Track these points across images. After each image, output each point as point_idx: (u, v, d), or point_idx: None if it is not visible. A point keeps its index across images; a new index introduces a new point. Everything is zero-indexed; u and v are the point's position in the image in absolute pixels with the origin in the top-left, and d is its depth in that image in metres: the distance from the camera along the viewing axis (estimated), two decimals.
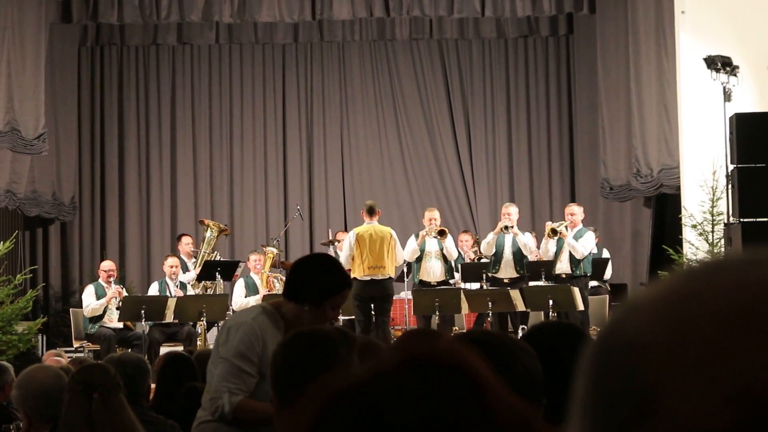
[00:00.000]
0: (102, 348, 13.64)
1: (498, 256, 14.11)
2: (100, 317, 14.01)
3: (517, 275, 14.04)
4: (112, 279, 14.24)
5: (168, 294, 14.11)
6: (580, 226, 14.08)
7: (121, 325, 13.96)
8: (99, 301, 14.03)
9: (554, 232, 13.85)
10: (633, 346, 0.79)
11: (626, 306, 0.83)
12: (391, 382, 0.95)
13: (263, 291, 14.42)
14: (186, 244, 15.87)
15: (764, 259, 0.80)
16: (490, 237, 14.20)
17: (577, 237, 13.84)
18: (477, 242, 15.71)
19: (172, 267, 14.63)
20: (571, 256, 13.77)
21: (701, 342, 0.76)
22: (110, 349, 13.20)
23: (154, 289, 14.55)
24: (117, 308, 13.90)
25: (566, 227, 13.90)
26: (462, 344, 1.03)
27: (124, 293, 14.29)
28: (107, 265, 14.65)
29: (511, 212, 14.17)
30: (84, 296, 14.38)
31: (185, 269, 15.28)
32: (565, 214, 14.32)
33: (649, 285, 0.83)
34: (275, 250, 15.48)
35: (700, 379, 0.75)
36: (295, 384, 2.66)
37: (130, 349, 13.01)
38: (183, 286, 14.54)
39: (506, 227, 13.97)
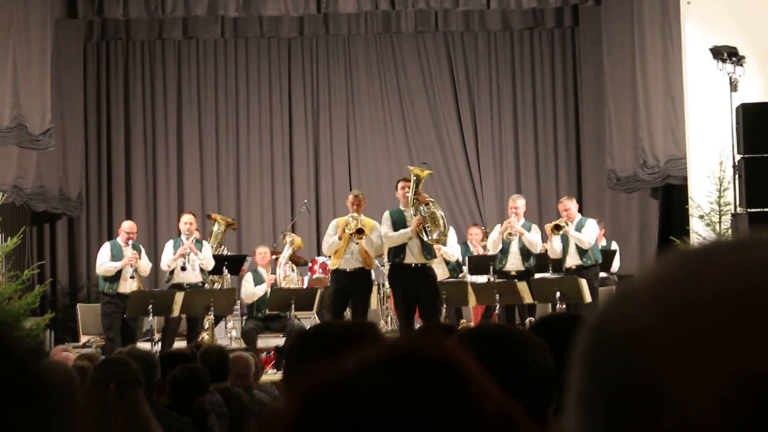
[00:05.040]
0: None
1: (504, 250, 14.03)
2: (115, 279, 13.80)
3: (524, 269, 13.92)
4: (131, 241, 13.90)
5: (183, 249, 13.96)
6: (579, 216, 13.96)
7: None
8: (114, 263, 13.69)
9: (557, 227, 13.72)
10: (629, 335, 0.78)
11: (618, 294, 0.82)
12: (374, 377, 0.94)
13: (276, 279, 14.42)
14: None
15: (755, 243, 0.79)
16: (496, 235, 14.02)
17: (579, 228, 13.74)
18: (486, 235, 15.68)
19: (186, 223, 14.16)
20: (579, 248, 13.69)
21: (700, 328, 0.75)
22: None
23: (169, 248, 14.21)
24: (131, 277, 13.72)
25: (565, 222, 13.76)
26: (449, 339, 1.02)
27: (142, 260, 13.99)
28: (128, 225, 14.23)
29: (518, 206, 13.94)
30: (99, 253, 14.07)
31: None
32: (560, 211, 14.17)
33: (640, 272, 0.83)
34: (298, 240, 15.39)
35: (703, 366, 0.74)
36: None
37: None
38: (199, 243, 14.17)
39: (510, 234, 13.80)
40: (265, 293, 14.08)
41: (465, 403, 0.94)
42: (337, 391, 0.94)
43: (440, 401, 0.93)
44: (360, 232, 12.71)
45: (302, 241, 15.69)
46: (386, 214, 12.75)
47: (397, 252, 12.52)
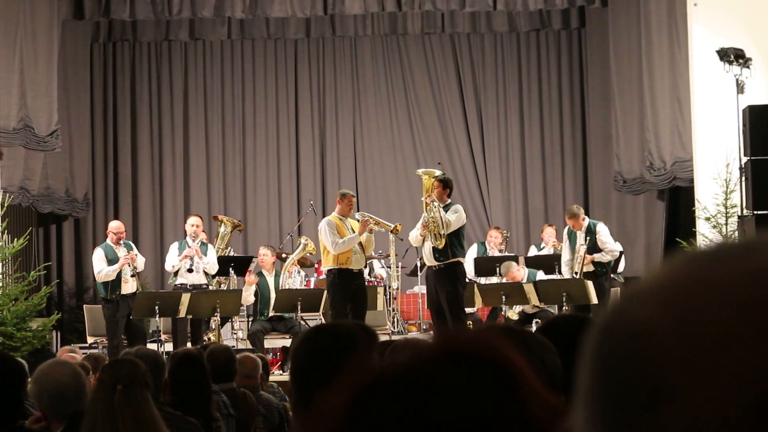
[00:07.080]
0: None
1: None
2: (116, 283, 13.61)
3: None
4: (121, 241, 13.71)
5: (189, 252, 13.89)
6: (587, 220, 13.89)
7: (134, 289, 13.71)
8: (111, 267, 13.41)
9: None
10: (637, 335, 0.78)
11: (627, 295, 0.82)
12: (429, 374, 0.94)
13: (287, 281, 14.44)
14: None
15: (762, 246, 0.79)
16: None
17: (590, 233, 13.64)
18: (506, 240, 15.71)
19: (193, 225, 14.06)
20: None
21: (707, 330, 0.75)
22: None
23: (174, 249, 14.12)
24: (132, 275, 13.60)
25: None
26: (501, 338, 1.03)
27: (138, 258, 13.83)
28: (115, 226, 14.02)
29: (516, 276, 14.05)
30: (94, 261, 13.79)
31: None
32: (570, 225, 13.94)
33: (650, 272, 0.83)
34: (312, 245, 15.36)
35: (710, 367, 0.74)
36: (314, 380, 2.66)
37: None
38: (204, 246, 14.09)
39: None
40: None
41: (515, 403, 0.95)
42: (389, 385, 0.94)
43: (492, 400, 0.94)
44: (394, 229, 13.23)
45: (314, 248, 15.68)
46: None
47: (420, 255, 12.81)
